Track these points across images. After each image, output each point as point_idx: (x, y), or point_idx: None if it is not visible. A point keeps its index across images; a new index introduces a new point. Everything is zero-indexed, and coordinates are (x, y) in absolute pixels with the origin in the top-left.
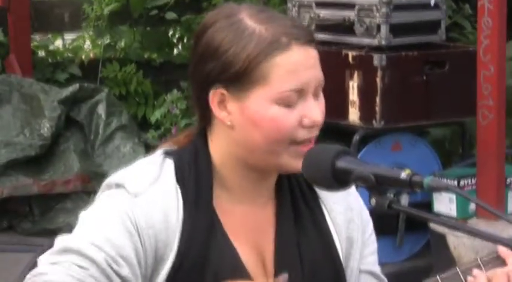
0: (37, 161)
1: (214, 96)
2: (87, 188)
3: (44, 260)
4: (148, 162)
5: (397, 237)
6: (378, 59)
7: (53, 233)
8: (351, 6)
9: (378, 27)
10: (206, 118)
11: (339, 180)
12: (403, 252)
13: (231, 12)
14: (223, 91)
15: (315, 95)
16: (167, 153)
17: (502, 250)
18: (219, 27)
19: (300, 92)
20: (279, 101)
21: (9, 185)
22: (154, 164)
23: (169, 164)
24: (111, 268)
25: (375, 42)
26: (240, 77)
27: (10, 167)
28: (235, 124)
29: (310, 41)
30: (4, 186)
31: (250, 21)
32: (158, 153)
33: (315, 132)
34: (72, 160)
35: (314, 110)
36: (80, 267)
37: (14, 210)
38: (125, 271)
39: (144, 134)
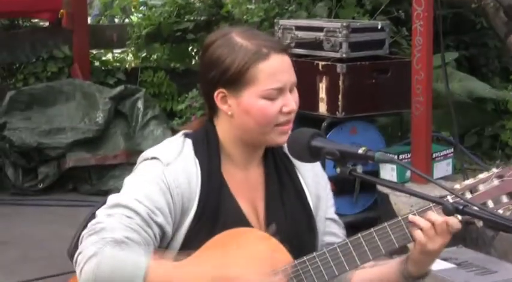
0: (94, 141)
1: (218, 94)
2: (129, 160)
3: (100, 213)
4: (173, 141)
5: (353, 196)
6: (340, 68)
7: (106, 193)
8: (320, 29)
9: (340, 44)
10: (213, 110)
11: (313, 155)
12: (358, 207)
13: (224, 33)
14: (224, 90)
15: (291, 91)
16: (186, 135)
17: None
18: (217, 44)
19: (280, 90)
20: (265, 96)
21: (73, 158)
22: (177, 142)
23: (189, 142)
24: (150, 217)
25: (338, 55)
26: (235, 80)
27: (74, 145)
28: (234, 114)
29: (283, 49)
30: (70, 159)
31: (238, 38)
32: (179, 135)
33: (292, 116)
34: (119, 140)
35: (290, 102)
36: (127, 217)
37: (77, 176)
38: (160, 219)
39: (171, 122)
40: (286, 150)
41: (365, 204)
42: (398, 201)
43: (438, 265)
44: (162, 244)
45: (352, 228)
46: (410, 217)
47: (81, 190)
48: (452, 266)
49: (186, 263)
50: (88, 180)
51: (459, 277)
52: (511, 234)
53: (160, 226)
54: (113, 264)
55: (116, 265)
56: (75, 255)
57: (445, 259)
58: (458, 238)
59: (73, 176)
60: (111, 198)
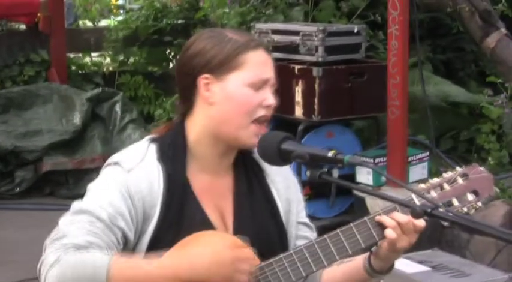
0: (71, 145)
1: (201, 80)
2: None
3: (62, 220)
4: (137, 147)
5: (330, 199)
6: (316, 71)
7: (83, 197)
8: (296, 33)
9: (316, 48)
10: (189, 104)
11: (283, 158)
12: (334, 210)
13: (213, 29)
14: (209, 76)
15: (271, 89)
16: (152, 139)
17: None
18: (204, 37)
19: (264, 82)
20: (250, 84)
21: (50, 162)
22: (141, 148)
23: (153, 147)
24: (112, 222)
25: (314, 59)
26: (222, 65)
27: (51, 148)
28: (215, 101)
29: (269, 49)
30: (47, 163)
31: (228, 33)
32: (144, 140)
33: (270, 113)
34: (97, 144)
35: (271, 96)
36: (89, 222)
37: (54, 180)
38: (122, 224)
39: (149, 125)
40: (256, 155)
41: (341, 208)
42: (374, 204)
43: (413, 268)
44: (126, 249)
45: (328, 232)
46: (377, 217)
47: (58, 194)
48: (427, 269)
49: (150, 261)
50: (65, 184)
51: (434, 280)
52: (486, 237)
53: (122, 231)
54: (74, 268)
55: (77, 269)
56: (38, 265)
57: (420, 262)
58: (433, 241)
59: (50, 180)
60: (74, 205)
